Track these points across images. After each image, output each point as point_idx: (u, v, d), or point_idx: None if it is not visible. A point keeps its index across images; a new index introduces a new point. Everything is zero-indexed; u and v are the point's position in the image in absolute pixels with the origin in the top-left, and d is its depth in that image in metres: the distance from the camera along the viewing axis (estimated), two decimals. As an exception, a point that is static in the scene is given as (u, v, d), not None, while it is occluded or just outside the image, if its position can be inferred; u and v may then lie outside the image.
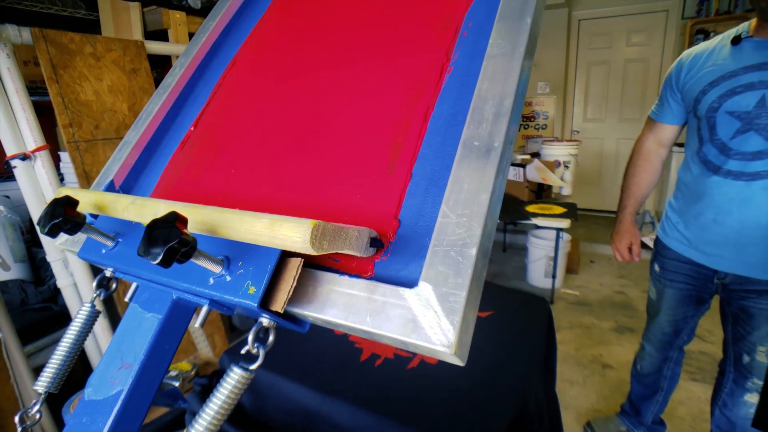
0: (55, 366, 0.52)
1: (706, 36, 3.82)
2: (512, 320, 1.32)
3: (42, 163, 1.48)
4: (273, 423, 1.11)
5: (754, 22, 1.18)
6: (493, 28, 0.47)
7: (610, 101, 4.66)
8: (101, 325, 1.68)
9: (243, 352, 0.39)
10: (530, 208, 3.00)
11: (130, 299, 0.48)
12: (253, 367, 0.39)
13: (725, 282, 1.26)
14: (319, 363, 1.14)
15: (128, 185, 0.64)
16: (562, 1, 4.40)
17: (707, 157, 1.21)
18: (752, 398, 1.31)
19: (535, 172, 3.22)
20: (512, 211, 2.96)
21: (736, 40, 1.15)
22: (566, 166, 3.45)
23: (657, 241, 1.45)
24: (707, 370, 2.19)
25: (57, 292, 1.81)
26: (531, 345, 1.21)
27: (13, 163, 1.44)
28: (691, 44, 3.88)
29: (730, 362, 1.36)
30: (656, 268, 1.45)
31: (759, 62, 1.10)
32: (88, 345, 1.71)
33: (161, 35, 1.98)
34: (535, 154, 3.69)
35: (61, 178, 1.68)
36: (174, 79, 0.70)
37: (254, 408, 1.16)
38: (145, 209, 0.43)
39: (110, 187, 0.63)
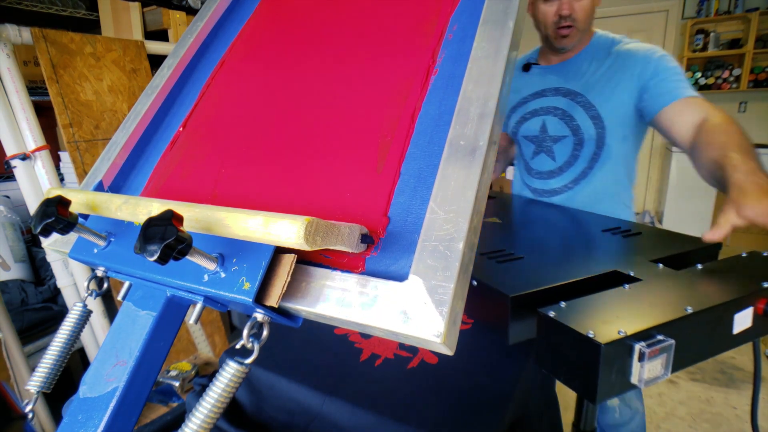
0: (48, 366, 0.52)
1: (706, 36, 3.82)
2: (512, 320, 1.31)
3: (42, 163, 1.48)
4: (273, 423, 1.10)
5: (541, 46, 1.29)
6: (477, 32, 0.49)
7: (611, 101, 4.65)
8: (101, 325, 1.68)
9: (238, 346, 0.40)
10: (531, 208, 2.99)
11: (123, 298, 0.48)
12: (248, 361, 0.40)
13: None
14: (319, 363, 1.14)
15: (117, 185, 0.64)
16: (563, 1, 4.39)
17: (520, 174, 1.33)
18: None
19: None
20: (512, 211, 2.95)
21: (527, 67, 1.23)
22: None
23: None
24: (707, 370, 2.18)
25: (57, 292, 1.81)
26: (531, 345, 1.20)
27: (13, 163, 1.44)
28: (690, 44, 3.88)
29: None
30: None
31: (540, 89, 1.18)
32: (89, 345, 1.71)
33: (161, 35, 1.98)
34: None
35: (61, 178, 1.69)
36: (162, 79, 0.70)
37: (254, 408, 1.15)
38: (138, 208, 0.43)
39: (99, 188, 0.63)
